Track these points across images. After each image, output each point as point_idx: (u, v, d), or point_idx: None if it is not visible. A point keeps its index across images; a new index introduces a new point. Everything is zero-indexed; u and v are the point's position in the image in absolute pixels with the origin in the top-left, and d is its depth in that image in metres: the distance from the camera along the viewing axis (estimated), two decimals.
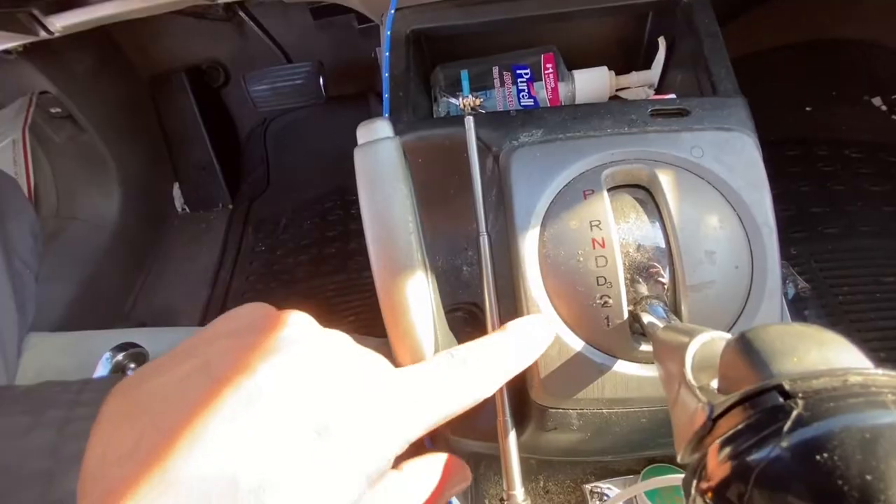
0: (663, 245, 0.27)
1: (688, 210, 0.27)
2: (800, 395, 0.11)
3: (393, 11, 0.37)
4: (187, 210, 1.13)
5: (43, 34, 0.57)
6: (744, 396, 0.12)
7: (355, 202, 1.07)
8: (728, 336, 0.18)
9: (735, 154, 0.28)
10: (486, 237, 0.31)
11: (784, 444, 0.10)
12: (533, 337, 0.20)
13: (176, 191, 1.14)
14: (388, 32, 0.37)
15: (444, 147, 0.37)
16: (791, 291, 0.75)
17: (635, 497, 0.36)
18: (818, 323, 0.73)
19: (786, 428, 0.10)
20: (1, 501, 0.11)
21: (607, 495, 0.37)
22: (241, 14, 0.93)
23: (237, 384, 0.13)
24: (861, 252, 0.78)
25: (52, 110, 0.94)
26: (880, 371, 0.11)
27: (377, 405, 0.15)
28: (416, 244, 0.28)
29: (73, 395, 0.13)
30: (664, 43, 0.42)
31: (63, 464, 0.11)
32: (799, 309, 0.74)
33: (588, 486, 0.36)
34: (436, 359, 0.18)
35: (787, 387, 0.11)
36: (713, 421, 0.13)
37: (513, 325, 0.20)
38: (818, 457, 0.09)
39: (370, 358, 0.16)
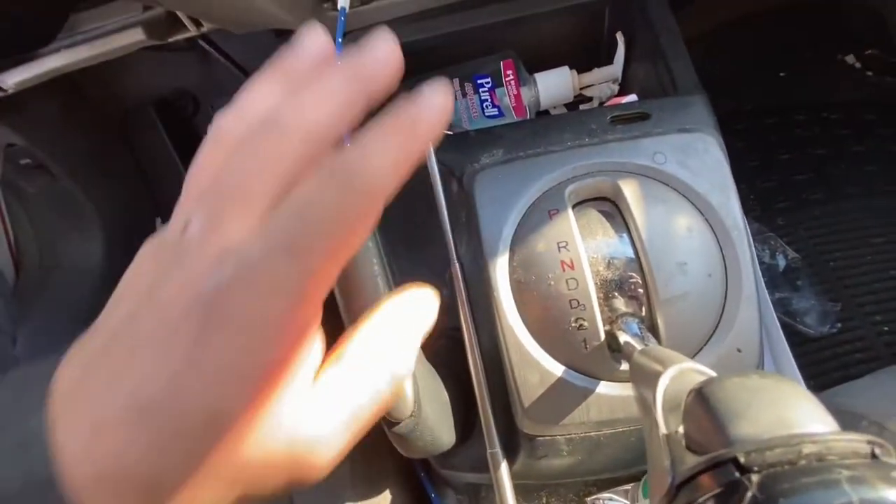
0: (634, 257, 0.27)
1: (655, 221, 0.26)
2: (755, 468, 0.10)
3: (340, 38, 0.36)
4: None
5: None
6: (702, 468, 0.11)
7: None
8: (697, 369, 0.17)
9: (698, 156, 0.27)
10: (457, 266, 0.31)
11: None
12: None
13: (159, 226, 1.12)
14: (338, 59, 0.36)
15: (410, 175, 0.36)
16: (782, 263, 0.75)
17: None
18: (813, 291, 0.72)
19: None
20: None
21: None
22: (202, 43, 0.92)
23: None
24: (848, 215, 0.77)
25: (22, 161, 0.92)
26: (835, 435, 0.10)
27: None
28: (384, 285, 0.27)
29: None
30: (622, 39, 0.42)
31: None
32: (791, 279, 0.74)
33: (590, 500, 0.35)
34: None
35: (741, 459, 0.11)
36: (676, 489, 0.12)
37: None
38: None
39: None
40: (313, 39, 0.14)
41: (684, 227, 0.26)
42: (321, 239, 0.12)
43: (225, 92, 1.03)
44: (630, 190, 0.27)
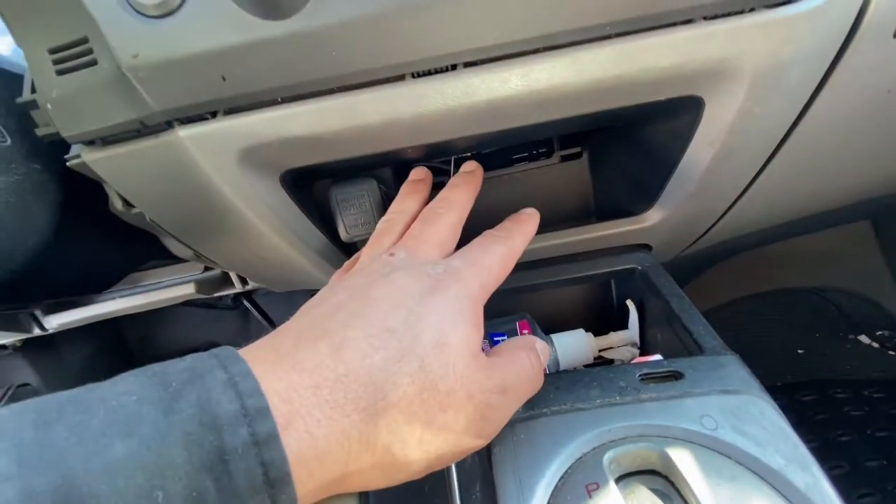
0: None
1: None
2: None
3: None
4: None
5: (37, 331, 0.60)
6: None
7: None
8: None
9: (756, 423, 0.23)
10: None
11: None
12: None
13: None
14: None
15: None
16: None
17: None
18: None
19: None
20: None
21: None
22: (245, 303, 1.02)
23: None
24: None
25: None
26: None
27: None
28: None
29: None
30: (633, 305, 0.43)
31: None
32: None
33: None
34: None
35: None
36: None
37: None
38: None
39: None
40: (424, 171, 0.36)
41: None
42: (487, 264, 0.26)
43: None
44: (684, 462, 0.22)
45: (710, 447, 0.23)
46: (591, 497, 0.21)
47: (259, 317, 1.06)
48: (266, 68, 0.25)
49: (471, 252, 0.27)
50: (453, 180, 0.33)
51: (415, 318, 0.21)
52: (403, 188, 0.34)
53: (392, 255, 0.26)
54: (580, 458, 0.23)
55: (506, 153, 0.53)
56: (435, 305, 0.22)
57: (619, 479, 0.23)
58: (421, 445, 0.20)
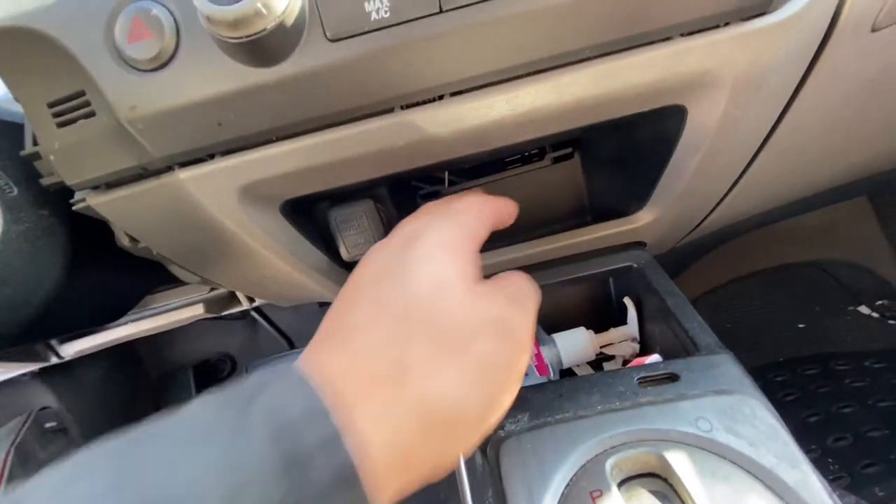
0: None
1: None
2: None
3: None
4: None
5: (54, 359, 0.61)
6: None
7: None
8: None
9: (748, 422, 0.25)
10: None
11: None
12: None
13: None
14: None
15: None
16: None
17: None
18: None
19: None
20: None
21: None
22: (253, 313, 1.04)
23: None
24: None
25: (48, 425, 0.92)
26: None
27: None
28: None
29: None
30: (631, 302, 0.44)
31: None
32: None
33: None
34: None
35: None
36: None
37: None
38: None
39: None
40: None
41: None
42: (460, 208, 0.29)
43: (264, 355, 1.08)
44: (680, 465, 0.23)
45: (705, 448, 0.24)
46: (594, 503, 0.23)
47: (268, 326, 1.08)
48: (259, 112, 0.26)
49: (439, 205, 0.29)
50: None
51: (400, 275, 0.23)
52: None
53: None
54: (584, 465, 0.25)
55: (498, 158, 0.54)
56: (416, 255, 0.23)
57: (620, 484, 0.24)
58: (465, 388, 0.20)
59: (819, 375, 0.83)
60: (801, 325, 0.92)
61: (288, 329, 1.12)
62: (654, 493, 0.23)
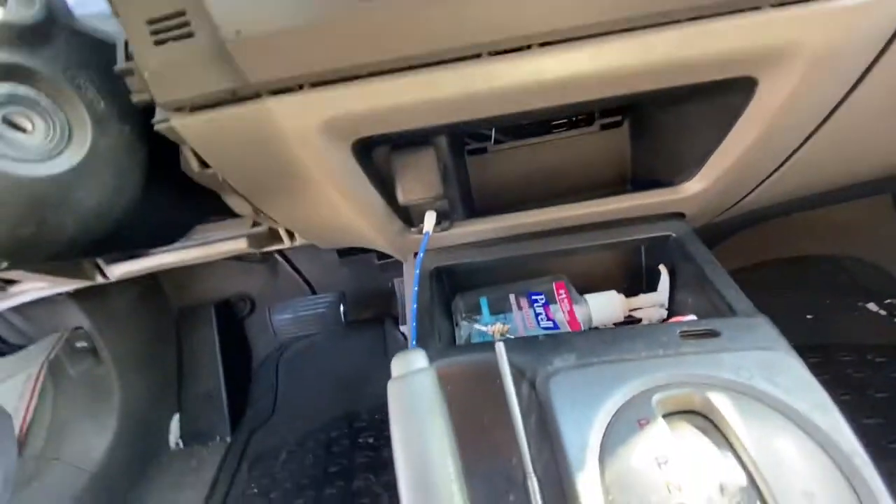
0: (745, 483, 0.23)
1: (763, 442, 0.24)
2: None
3: (422, 254, 0.42)
4: (181, 445, 1.04)
5: (100, 279, 0.64)
6: None
7: (363, 430, 1.00)
8: None
9: (786, 375, 0.27)
10: (534, 480, 0.28)
11: None
12: None
13: (174, 423, 1.07)
14: (418, 271, 0.41)
15: (474, 374, 0.36)
16: None
17: None
18: None
19: None
20: None
21: None
22: (277, 256, 1.06)
23: None
24: None
25: (78, 344, 0.97)
26: None
27: None
28: (459, 495, 0.24)
29: None
30: (665, 269, 0.46)
31: None
32: None
33: None
34: None
35: None
36: None
37: None
38: None
39: None
40: None
41: (796, 450, 0.24)
42: None
43: (283, 298, 1.11)
44: (724, 405, 0.26)
45: (745, 393, 0.26)
46: (642, 429, 0.25)
47: (290, 269, 1.11)
48: (358, 44, 0.27)
49: None
50: None
51: None
52: None
53: None
54: (631, 399, 0.27)
55: (546, 120, 0.55)
56: None
57: (664, 417, 0.27)
58: None
59: (820, 363, 0.86)
60: (809, 316, 0.95)
61: (308, 275, 1.15)
62: (697, 427, 0.26)
